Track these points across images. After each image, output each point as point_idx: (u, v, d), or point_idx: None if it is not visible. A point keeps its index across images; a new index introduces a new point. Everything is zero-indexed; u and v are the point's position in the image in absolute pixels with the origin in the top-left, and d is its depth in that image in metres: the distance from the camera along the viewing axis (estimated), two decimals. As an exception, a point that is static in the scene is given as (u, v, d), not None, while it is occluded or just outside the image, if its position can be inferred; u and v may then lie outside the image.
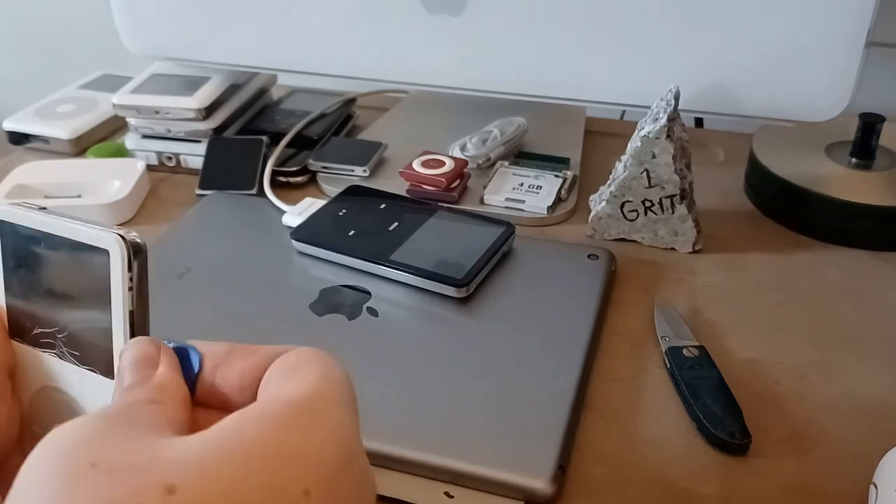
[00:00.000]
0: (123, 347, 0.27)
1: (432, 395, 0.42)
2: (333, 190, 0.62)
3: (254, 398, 0.26)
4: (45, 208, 0.29)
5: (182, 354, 0.28)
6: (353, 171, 0.65)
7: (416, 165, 0.62)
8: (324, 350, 0.27)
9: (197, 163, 0.67)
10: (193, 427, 0.25)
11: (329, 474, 0.22)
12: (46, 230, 0.29)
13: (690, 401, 0.42)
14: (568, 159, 0.67)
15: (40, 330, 0.30)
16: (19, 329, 0.31)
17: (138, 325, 0.28)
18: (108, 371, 0.29)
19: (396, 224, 0.54)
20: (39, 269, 0.29)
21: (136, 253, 0.27)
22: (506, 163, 0.65)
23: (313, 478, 0.22)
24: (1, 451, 0.30)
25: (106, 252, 0.27)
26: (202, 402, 0.27)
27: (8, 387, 0.30)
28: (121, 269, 0.27)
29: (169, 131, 0.68)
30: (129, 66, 0.75)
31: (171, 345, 0.28)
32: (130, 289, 0.28)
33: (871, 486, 0.36)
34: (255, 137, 0.68)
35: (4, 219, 0.30)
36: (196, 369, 0.27)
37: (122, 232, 0.28)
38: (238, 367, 0.27)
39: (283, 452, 0.22)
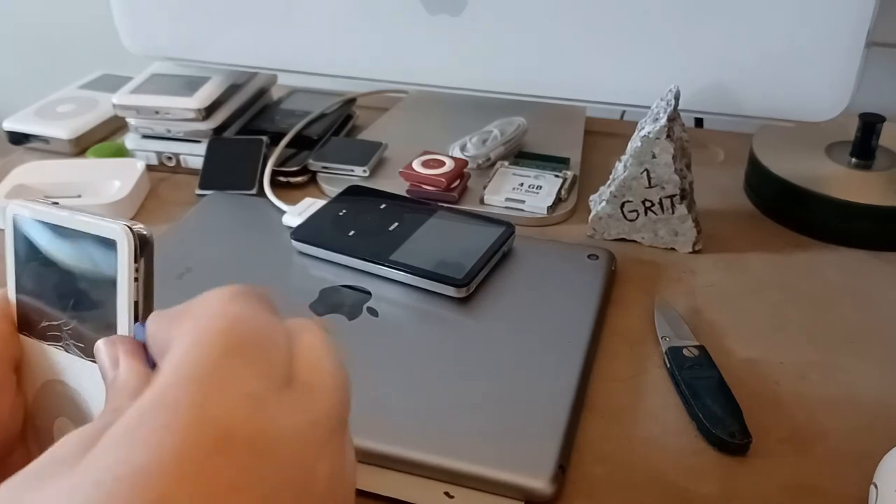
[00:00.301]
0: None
1: (432, 395, 0.42)
2: (333, 190, 0.62)
3: None
4: (56, 203, 0.30)
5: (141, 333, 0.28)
6: (353, 171, 0.65)
7: (416, 165, 0.62)
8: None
9: (197, 163, 0.67)
10: None
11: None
12: (57, 223, 0.29)
13: (690, 401, 0.42)
14: (568, 159, 0.67)
15: (47, 323, 0.30)
16: (27, 323, 0.31)
17: (142, 317, 0.28)
18: None
19: (396, 224, 0.54)
20: (49, 262, 0.30)
21: (143, 245, 0.28)
22: (506, 163, 0.65)
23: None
24: (3, 445, 0.30)
25: (113, 243, 0.28)
26: None
27: (12, 380, 0.30)
28: (127, 260, 0.28)
29: (169, 131, 0.68)
30: (129, 66, 0.75)
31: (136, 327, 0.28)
32: (136, 279, 0.28)
33: (872, 486, 0.36)
34: (255, 137, 0.68)
35: (17, 213, 0.30)
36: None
37: (130, 224, 0.28)
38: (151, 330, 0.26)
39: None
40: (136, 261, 0.28)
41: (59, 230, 0.30)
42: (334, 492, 0.23)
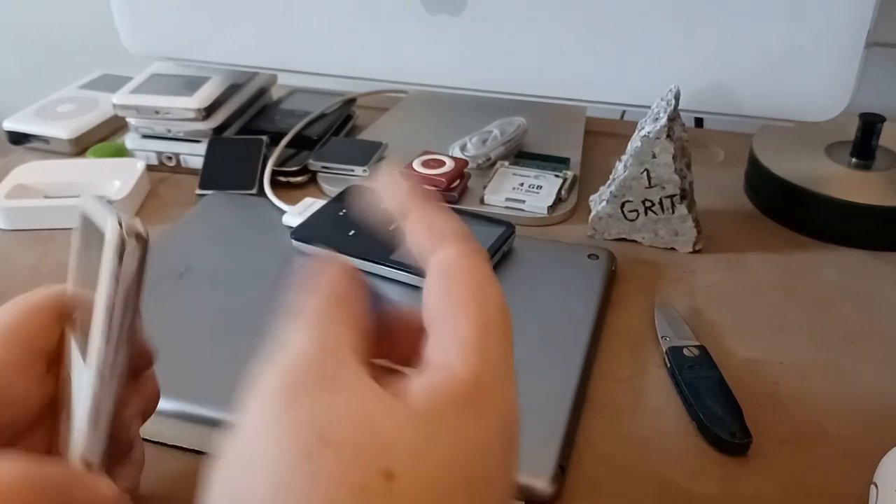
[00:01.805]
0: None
1: (432, 395, 0.42)
2: (333, 190, 0.62)
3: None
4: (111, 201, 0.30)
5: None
6: (353, 171, 0.65)
7: (416, 165, 0.62)
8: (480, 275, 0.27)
9: (197, 163, 0.67)
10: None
11: (505, 460, 0.24)
12: (85, 213, 0.29)
13: (690, 401, 0.42)
14: (568, 159, 0.67)
15: (78, 315, 0.31)
16: (73, 315, 0.31)
17: (116, 320, 0.27)
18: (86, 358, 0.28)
19: (397, 224, 0.54)
20: (90, 253, 0.30)
21: (132, 240, 0.26)
22: (506, 163, 0.65)
23: (493, 468, 0.23)
24: (17, 424, 0.30)
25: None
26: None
27: (35, 367, 0.31)
28: (111, 254, 0.26)
29: (169, 131, 0.68)
30: (129, 66, 0.75)
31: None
32: (116, 278, 0.27)
33: (872, 486, 0.36)
34: (255, 137, 0.68)
35: (81, 207, 0.30)
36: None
37: (121, 216, 0.27)
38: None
39: (482, 448, 0.23)
40: (119, 257, 0.26)
41: (88, 220, 0.29)
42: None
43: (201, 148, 0.67)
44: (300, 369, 0.23)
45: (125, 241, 0.26)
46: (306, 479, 0.21)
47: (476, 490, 0.22)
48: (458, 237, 0.27)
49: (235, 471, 0.22)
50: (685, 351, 0.45)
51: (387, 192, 0.30)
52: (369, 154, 0.67)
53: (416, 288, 0.49)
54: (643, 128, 0.55)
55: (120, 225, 0.26)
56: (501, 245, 0.53)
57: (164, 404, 0.35)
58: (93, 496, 0.27)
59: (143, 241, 0.27)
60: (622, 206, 0.56)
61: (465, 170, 0.63)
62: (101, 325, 0.27)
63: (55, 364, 0.32)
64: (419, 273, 0.51)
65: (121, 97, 0.67)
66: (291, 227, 0.55)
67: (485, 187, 0.62)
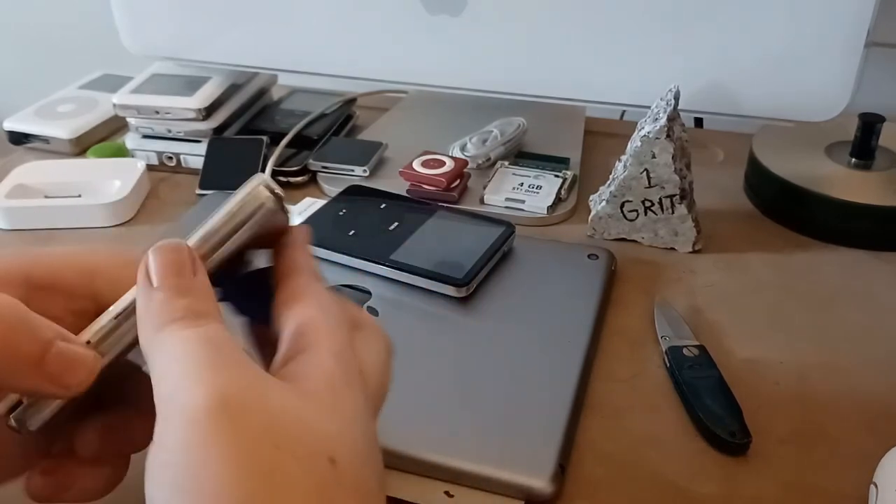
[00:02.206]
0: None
1: (432, 395, 0.42)
2: (333, 190, 0.62)
3: None
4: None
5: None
6: (353, 171, 0.65)
7: (416, 165, 0.62)
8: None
9: (197, 163, 0.67)
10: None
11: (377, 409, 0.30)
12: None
13: (690, 400, 0.42)
14: (568, 159, 0.67)
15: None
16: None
17: (212, 242, 0.28)
18: None
19: (396, 224, 0.54)
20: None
21: (266, 194, 0.28)
22: (506, 163, 0.65)
23: (374, 423, 0.28)
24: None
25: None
26: None
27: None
28: (241, 195, 0.28)
29: (169, 131, 0.68)
30: (129, 66, 0.75)
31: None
32: (232, 213, 0.28)
33: (872, 486, 0.36)
34: (255, 137, 0.68)
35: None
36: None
37: (270, 184, 0.28)
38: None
39: (363, 409, 0.27)
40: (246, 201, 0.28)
41: None
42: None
43: (201, 148, 0.67)
44: (210, 390, 0.23)
45: (260, 194, 0.28)
46: (273, 489, 0.22)
47: (375, 442, 0.27)
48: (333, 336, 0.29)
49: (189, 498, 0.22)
50: (685, 351, 0.45)
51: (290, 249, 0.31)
52: (369, 154, 0.67)
53: (417, 287, 0.50)
54: (643, 128, 0.55)
55: (267, 188, 0.28)
56: (501, 245, 0.53)
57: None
58: (64, 355, 0.26)
59: (270, 206, 0.28)
60: (622, 206, 0.57)
61: (465, 170, 0.63)
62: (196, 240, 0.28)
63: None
64: (419, 273, 0.51)
65: (121, 97, 0.67)
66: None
67: (485, 187, 0.62)
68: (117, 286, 0.28)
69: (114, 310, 0.28)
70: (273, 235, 0.30)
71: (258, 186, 0.28)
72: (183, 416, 0.23)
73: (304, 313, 0.28)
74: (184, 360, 0.24)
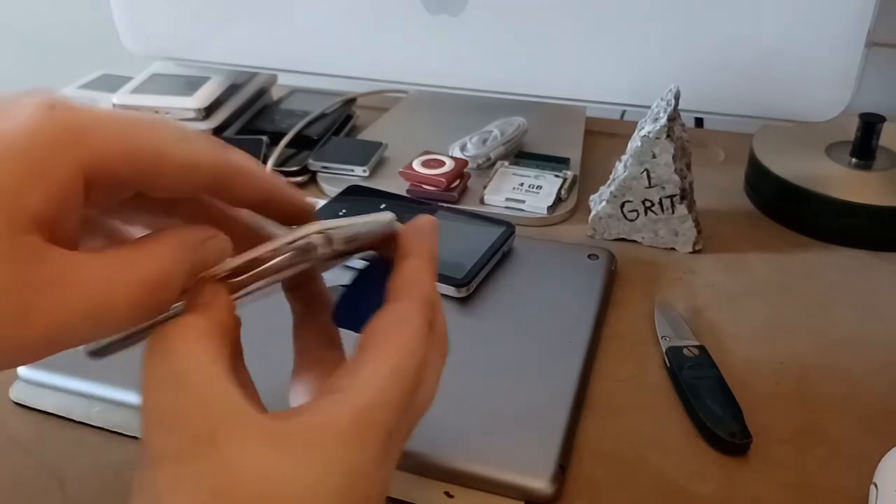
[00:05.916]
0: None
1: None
2: (333, 190, 0.62)
3: None
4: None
5: None
6: (353, 171, 0.65)
7: (416, 165, 0.62)
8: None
9: (197, 163, 0.67)
10: None
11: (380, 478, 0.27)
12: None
13: (690, 401, 0.42)
14: (568, 159, 0.67)
15: None
16: None
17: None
18: None
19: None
20: None
21: (320, 239, 0.27)
22: (506, 163, 0.65)
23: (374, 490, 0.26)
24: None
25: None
26: None
27: None
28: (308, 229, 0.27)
29: (169, 131, 0.68)
30: (129, 66, 0.75)
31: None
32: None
33: (872, 486, 0.36)
34: (255, 137, 0.68)
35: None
36: None
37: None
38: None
39: (363, 471, 0.25)
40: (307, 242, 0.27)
41: None
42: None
43: (201, 148, 0.67)
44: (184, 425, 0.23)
45: (314, 238, 0.27)
46: None
47: (374, 495, 0.25)
48: (423, 300, 0.29)
49: None
50: (685, 351, 0.45)
51: (410, 231, 0.32)
52: (369, 154, 0.67)
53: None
54: (643, 128, 0.55)
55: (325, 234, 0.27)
56: (501, 245, 0.53)
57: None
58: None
59: (316, 250, 0.28)
60: (622, 206, 0.56)
61: (465, 170, 0.63)
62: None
63: None
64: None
65: (121, 97, 0.67)
66: (291, 227, 0.55)
67: (485, 187, 0.62)
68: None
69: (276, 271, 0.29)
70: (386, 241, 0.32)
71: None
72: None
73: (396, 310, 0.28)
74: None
